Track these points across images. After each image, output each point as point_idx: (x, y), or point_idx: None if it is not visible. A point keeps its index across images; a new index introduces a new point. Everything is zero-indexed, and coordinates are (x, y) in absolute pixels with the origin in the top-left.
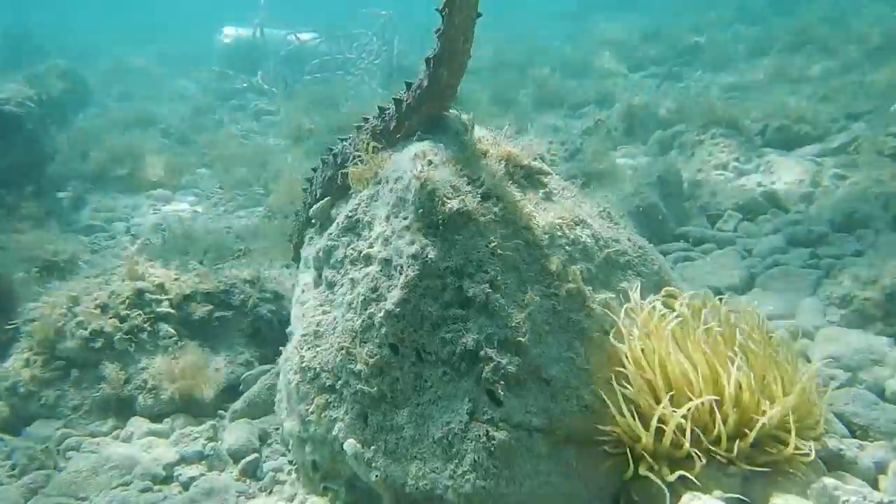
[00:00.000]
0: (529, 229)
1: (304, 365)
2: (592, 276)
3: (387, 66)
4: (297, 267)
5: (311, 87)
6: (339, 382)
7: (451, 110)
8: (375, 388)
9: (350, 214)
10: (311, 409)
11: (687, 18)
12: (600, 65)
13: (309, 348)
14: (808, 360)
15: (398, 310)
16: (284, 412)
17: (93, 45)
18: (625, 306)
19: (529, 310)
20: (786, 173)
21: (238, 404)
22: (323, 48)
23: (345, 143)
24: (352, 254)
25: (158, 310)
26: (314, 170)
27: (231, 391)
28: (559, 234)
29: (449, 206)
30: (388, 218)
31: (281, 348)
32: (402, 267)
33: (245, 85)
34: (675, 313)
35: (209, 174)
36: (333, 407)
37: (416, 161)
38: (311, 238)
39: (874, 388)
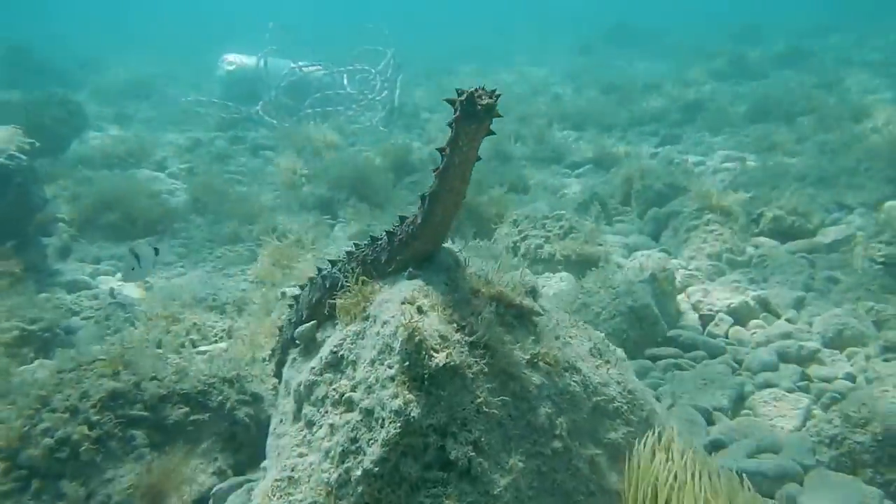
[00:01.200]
0: (517, 380)
1: None
2: (579, 427)
3: (388, 103)
4: (280, 381)
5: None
6: None
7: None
8: None
9: (335, 350)
10: None
11: (692, 65)
12: (599, 117)
13: (280, 497)
14: None
15: (377, 469)
16: None
17: (93, 58)
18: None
19: (513, 476)
20: (777, 274)
21: None
22: (326, 80)
23: (334, 268)
24: (333, 395)
25: (132, 413)
26: (302, 287)
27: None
28: (547, 383)
29: (436, 361)
30: (373, 363)
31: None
32: (383, 421)
33: (240, 115)
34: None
35: (200, 223)
36: None
37: (404, 309)
38: (295, 360)
39: None
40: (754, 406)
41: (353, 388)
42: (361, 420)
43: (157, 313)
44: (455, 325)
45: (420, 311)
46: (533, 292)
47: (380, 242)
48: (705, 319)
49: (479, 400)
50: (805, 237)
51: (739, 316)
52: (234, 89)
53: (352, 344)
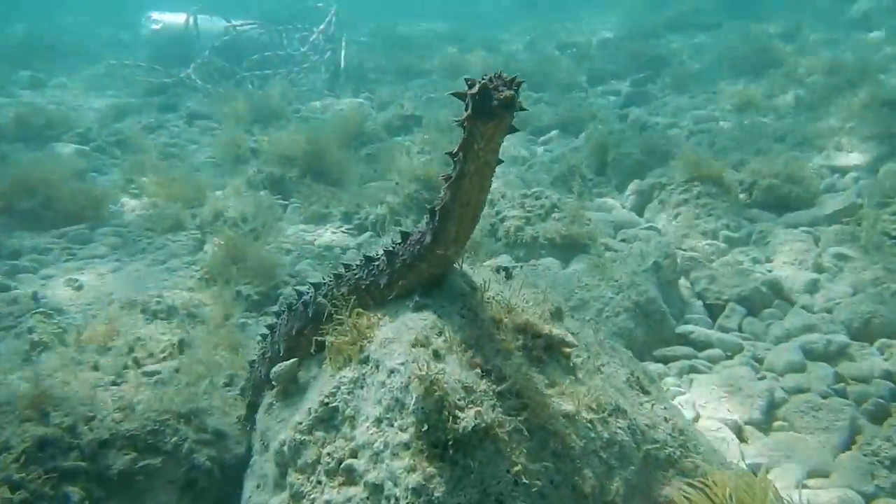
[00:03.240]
0: (558, 436)
1: None
2: (632, 486)
3: (333, 65)
4: (250, 427)
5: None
6: None
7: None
8: None
9: (326, 401)
10: None
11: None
12: (558, 75)
13: None
14: None
15: None
16: None
17: None
18: None
19: None
20: (783, 253)
21: None
22: (264, 39)
23: (318, 291)
24: (328, 461)
25: (65, 465)
26: (277, 315)
27: None
28: (592, 435)
29: (462, 423)
30: (379, 422)
31: None
32: (397, 501)
33: (170, 80)
34: None
35: (136, 206)
36: None
37: (416, 352)
38: (272, 405)
39: None
40: (789, 417)
41: (355, 454)
42: (367, 498)
43: (91, 325)
44: (479, 369)
45: (436, 355)
46: (558, 313)
47: (377, 264)
48: (714, 310)
49: (516, 468)
50: (802, 207)
51: (752, 304)
52: (162, 50)
53: (348, 394)
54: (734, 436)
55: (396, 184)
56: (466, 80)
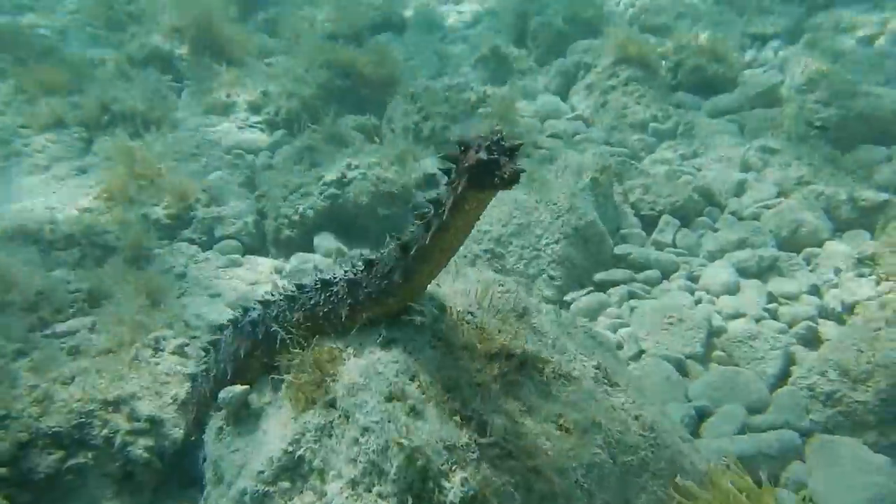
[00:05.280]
0: (542, 477)
1: None
2: None
3: None
4: (195, 440)
5: None
6: None
7: None
8: None
9: (290, 449)
10: None
11: None
12: None
13: None
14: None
15: None
16: None
17: None
18: None
19: None
20: (711, 148)
21: None
22: None
23: (268, 309)
24: None
25: None
26: (221, 329)
27: None
28: (574, 465)
29: (450, 496)
30: (354, 485)
31: None
32: None
33: None
34: None
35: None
36: None
37: (392, 409)
38: (222, 431)
39: None
40: (727, 347)
41: None
42: None
43: None
44: (458, 417)
45: (413, 411)
46: (525, 313)
47: (335, 290)
48: (647, 220)
49: None
50: (727, 88)
51: (685, 213)
52: None
53: (314, 443)
54: (679, 375)
55: (306, 71)
56: (459, 142)
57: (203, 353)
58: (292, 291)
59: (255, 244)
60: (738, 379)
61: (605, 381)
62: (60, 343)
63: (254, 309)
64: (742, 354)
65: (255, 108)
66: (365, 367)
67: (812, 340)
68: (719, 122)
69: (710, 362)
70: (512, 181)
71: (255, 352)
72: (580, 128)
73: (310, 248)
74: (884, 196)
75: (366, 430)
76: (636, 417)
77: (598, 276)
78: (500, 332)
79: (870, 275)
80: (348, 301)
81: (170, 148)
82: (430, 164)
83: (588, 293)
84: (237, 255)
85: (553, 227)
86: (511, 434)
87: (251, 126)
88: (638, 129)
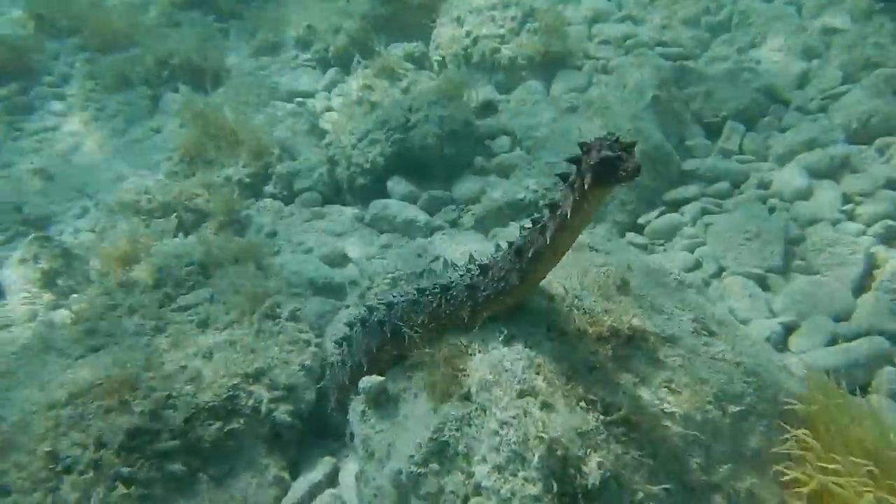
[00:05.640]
0: (662, 440)
1: None
2: (728, 456)
3: None
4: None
5: None
6: None
7: None
8: None
9: (435, 437)
10: None
11: None
12: None
13: None
14: None
15: None
16: None
17: None
18: None
19: None
20: (769, 37)
21: None
22: None
23: (392, 310)
24: (452, 498)
25: (160, 447)
26: (350, 326)
27: None
28: (692, 430)
29: (591, 479)
30: (500, 470)
31: None
32: None
33: None
34: None
35: (77, 58)
36: None
37: (526, 405)
38: (365, 414)
39: None
40: (807, 256)
41: (479, 493)
42: None
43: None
44: (584, 403)
45: (545, 406)
46: (624, 283)
47: (452, 293)
48: (712, 128)
49: (639, 497)
50: None
51: (749, 115)
52: None
53: (456, 430)
54: (761, 290)
55: (347, 1)
56: (581, 144)
57: (335, 345)
58: (414, 296)
59: (331, 193)
60: (822, 289)
61: (705, 332)
62: (188, 317)
63: (378, 309)
64: (822, 262)
65: (304, 44)
66: (492, 364)
67: (893, 238)
68: (776, 3)
69: (792, 272)
70: (633, 175)
71: (385, 346)
72: (630, 30)
73: (382, 193)
74: None
75: (504, 423)
76: (737, 364)
77: (669, 196)
78: (606, 312)
79: None
80: (469, 303)
81: (232, 100)
82: (486, 91)
83: (660, 214)
84: (317, 207)
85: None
86: (631, 409)
87: (303, 65)
88: (691, 25)
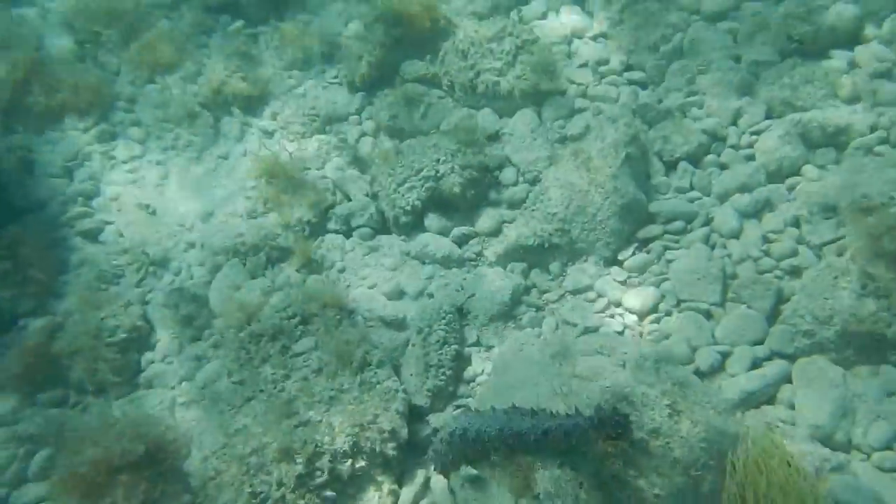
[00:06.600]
0: None
1: None
2: None
3: None
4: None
5: None
6: None
7: None
8: None
9: None
10: None
11: None
12: None
13: None
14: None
15: None
16: None
17: None
18: None
19: None
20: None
21: None
22: None
23: (467, 433)
24: None
25: (318, 481)
26: (435, 431)
27: None
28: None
29: None
30: None
31: None
32: None
33: None
34: None
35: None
36: None
37: None
38: (463, 486)
39: None
40: (738, 291)
41: None
42: None
43: (229, 312)
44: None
45: None
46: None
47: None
48: (669, 166)
49: None
50: None
51: (697, 157)
52: None
53: None
54: (706, 320)
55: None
56: (596, 408)
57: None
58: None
59: (380, 227)
60: (746, 321)
61: (675, 413)
62: (304, 362)
63: (461, 429)
64: (747, 296)
65: (329, 59)
66: (552, 480)
67: (795, 273)
68: (717, 31)
69: (727, 306)
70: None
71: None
72: (603, 53)
73: (420, 225)
74: None
75: None
76: (701, 439)
77: (640, 234)
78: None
79: None
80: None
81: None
82: (491, 122)
83: (633, 253)
84: (371, 241)
85: (603, 206)
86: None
87: (331, 83)
88: (652, 50)
